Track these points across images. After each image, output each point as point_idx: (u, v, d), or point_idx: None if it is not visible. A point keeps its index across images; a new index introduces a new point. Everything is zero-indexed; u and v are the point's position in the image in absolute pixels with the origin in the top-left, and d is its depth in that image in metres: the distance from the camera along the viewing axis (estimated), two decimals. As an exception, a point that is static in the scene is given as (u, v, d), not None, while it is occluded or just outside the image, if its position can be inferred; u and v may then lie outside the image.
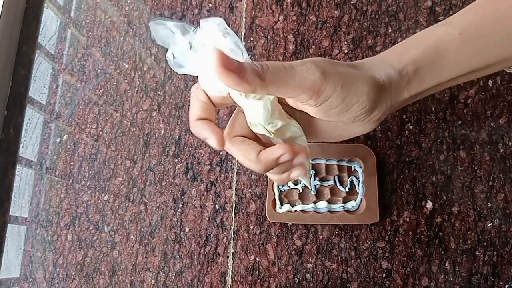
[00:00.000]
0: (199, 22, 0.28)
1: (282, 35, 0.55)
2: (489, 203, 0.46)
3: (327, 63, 0.30)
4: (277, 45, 0.55)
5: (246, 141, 0.31)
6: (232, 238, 0.49)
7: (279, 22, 0.56)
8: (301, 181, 0.48)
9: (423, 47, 0.32)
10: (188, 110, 0.33)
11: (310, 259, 0.47)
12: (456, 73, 0.33)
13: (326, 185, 0.48)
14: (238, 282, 0.48)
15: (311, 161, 0.49)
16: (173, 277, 0.49)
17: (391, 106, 0.32)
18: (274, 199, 0.48)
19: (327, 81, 0.29)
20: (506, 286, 0.44)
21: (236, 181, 0.51)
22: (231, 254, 0.49)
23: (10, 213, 0.55)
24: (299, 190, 0.48)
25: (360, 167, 0.48)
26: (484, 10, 0.33)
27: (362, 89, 0.30)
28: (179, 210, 0.51)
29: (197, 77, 0.30)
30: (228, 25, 0.57)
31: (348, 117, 0.31)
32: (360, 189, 0.47)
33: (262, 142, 0.33)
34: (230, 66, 0.25)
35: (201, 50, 0.27)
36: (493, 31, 0.32)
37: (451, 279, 0.45)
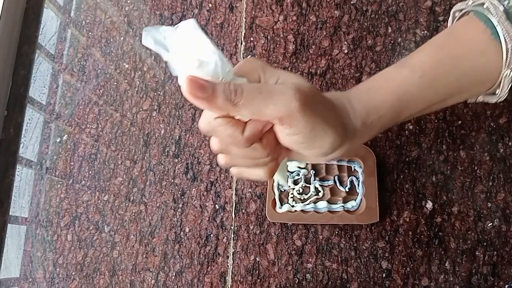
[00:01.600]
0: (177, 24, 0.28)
1: (282, 35, 0.55)
2: (489, 203, 0.46)
3: (311, 99, 0.30)
4: (277, 45, 0.55)
5: (231, 120, 0.31)
6: (232, 238, 0.49)
7: (279, 22, 0.56)
8: (300, 181, 0.48)
9: (386, 96, 0.35)
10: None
11: (310, 259, 0.47)
12: (414, 111, 0.36)
13: (326, 185, 0.48)
14: (238, 282, 0.48)
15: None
16: (173, 277, 0.49)
17: (348, 150, 0.34)
18: (274, 199, 0.48)
19: (300, 118, 0.29)
20: (506, 286, 0.44)
21: (236, 181, 0.51)
22: (231, 254, 0.49)
23: (10, 213, 0.55)
24: (299, 190, 0.48)
25: (360, 167, 0.48)
26: (441, 52, 0.36)
27: (328, 138, 0.31)
28: (179, 210, 0.51)
29: None
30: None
31: (308, 152, 0.33)
32: (360, 189, 0.47)
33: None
34: (199, 94, 0.27)
35: (176, 53, 0.28)
36: (449, 71, 0.35)
37: (451, 279, 0.45)
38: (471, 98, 0.40)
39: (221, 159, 0.35)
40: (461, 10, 0.39)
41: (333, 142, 0.32)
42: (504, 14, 0.34)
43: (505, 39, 0.33)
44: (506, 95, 0.37)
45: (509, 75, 0.35)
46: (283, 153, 0.34)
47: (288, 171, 0.49)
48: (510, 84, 0.35)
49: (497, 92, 0.37)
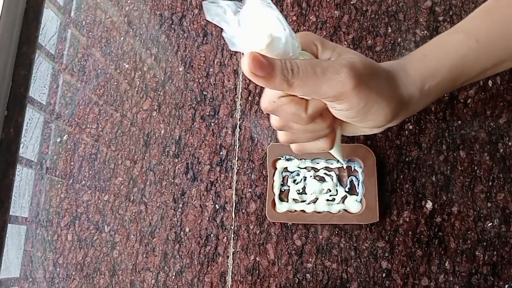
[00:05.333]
0: None
1: (282, 35, 0.55)
2: (489, 203, 0.46)
3: (365, 75, 0.29)
4: (277, 45, 0.55)
5: (294, 98, 0.31)
6: (232, 238, 0.49)
7: (279, 22, 0.56)
8: (300, 181, 0.48)
9: (443, 62, 0.34)
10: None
11: (310, 259, 0.47)
12: (470, 77, 0.35)
13: (326, 185, 0.48)
14: (238, 282, 0.48)
15: (313, 159, 0.49)
16: (173, 277, 0.49)
17: (405, 117, 0.34)
18: (274, 199, 0.48)
19: (354, 95, 0.29)
20: (506, 286, 0.44)
21: (236, 181, 0.51)
22: (231, 254, 0.49)
23: (10, 213, 0.55)
24: (299, 190, 0.48)
25: (360, 167, 0.48)
26: (493, 15, 0.35)
27: (382, 111, 0.31)
28: (179, 210, 0.51)
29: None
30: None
31: (361, 125, 0.33)
32: (360, 189, 0.47)
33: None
34: (258, 72, 0.27)
35: (247, 27, 0.27)
36: (503, 34, 0.34)
37: (451, 279, 0.45)
38: None
39: (282, 136, 0.35)
40: None
41: (387, 115, 0.31)
42: None
43: None
44: None
45: None
46: (337, 123, 0.34)
47: (288, 171, 0.49)
48: None
49: None
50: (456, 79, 0.34)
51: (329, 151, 0.37)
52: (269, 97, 0.31)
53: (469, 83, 0.37)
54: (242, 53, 0.29)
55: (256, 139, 0.52)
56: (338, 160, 0.43)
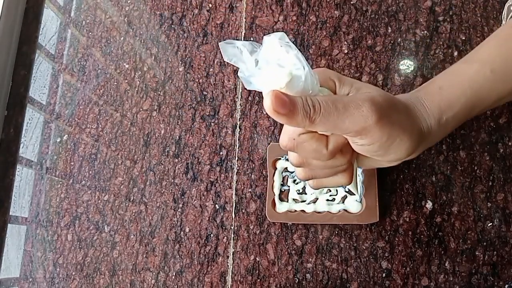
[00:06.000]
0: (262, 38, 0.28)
1: (282, 35, 0.55)
2: (489, 203, 0.46)
3: (387, 109, 0.29)
4: (277, 45, 0.55)
5: (315, 135, 0.31)
6: (232, 238, 0.49)
7: (279, 22, 0.56)
8: (300, 181, 0.48)
9: (459, 93, 0.34)
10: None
11: (310, 259, 0.47)
12: (486, 105, 0.35)
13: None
14: (238, 282, 0.48)
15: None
16: (173, 277, 0.49)
17: (422, 151, 0.34)
18: (274, 199, 0.48)
19: (377, 130, 0.29)
20: (506, 286, 0.44)
21: (236, 181, 0.51)
22: (231, 254, 0.49)
23: (10, 213, 0.55)
24: (299, 190, 0.48)
25: (360, 167, 0.48)
26: (508, 43, 0.35)
27: (404, 145, 0.31)
28: (179, 210, 0.51)
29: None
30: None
31: (381, 159, 0.33)
32: (360, 189, 0.47)
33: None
34: (281, 110, 0.27)
35: (265, 67, 0.28)
36: None
37: (451, 279, 0.45)
38: None
39: (301, 173, 0.35)
40: None
41: (408, 148, 0.31)
42: None
43: None
44: None
45: None
46: (355, 157, 0.34)
47: (288, 171, 0.49)
48: None
49: None
50: (472, 109, 0.34)
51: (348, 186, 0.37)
52: (289, 135, 0.31)
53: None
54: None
55: (256, 139, 0.52)
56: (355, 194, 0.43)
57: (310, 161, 0.33)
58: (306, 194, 0.48)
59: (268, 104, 0.27)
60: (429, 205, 0.47)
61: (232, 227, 0.50)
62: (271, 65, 0.28)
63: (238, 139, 0.52)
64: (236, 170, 0.51)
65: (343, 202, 0.47)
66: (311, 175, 0.35)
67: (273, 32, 0.55)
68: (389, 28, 0.53)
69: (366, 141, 0.30)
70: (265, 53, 0.28)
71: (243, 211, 0.50)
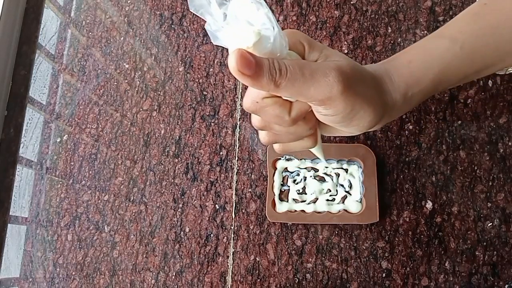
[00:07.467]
0: None
1: (282, 35, 0.55)
2: (489, 203, 0.46)
3: (353, 79, 0.29)
4: (277, 45, 0.55)
5: (278, 100, 0.30)
6: (232, 238, 0.49)
7: (279, 22, 0.56)
8: (300, 181, 0.48)
9: (428, 69, 0.34)
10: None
11: (310, 259, 0.47)
12: (451, 83, 0.35)
13: (326, 185, 0.48)
14: (238, 282, 0.48)
15: (314, 160, 0.49)
16: (173, 277, 0.49)
17: (386, 122, 0.34)
18: (274, 199, 0.48)
19: (341, 100, 0.28)
20: (506, 286, 0.44)
21: (236, 181, 0.51)
22: (231, 254, 0.49)
23: (10, 213, 0.55)
24: (299, 190, 0.48)
25: (360, 167, 0.48)
26: (482, 20, 0.35)
27: (368, 116, 0.31)
28: (179, 210, 0.51)
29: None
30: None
31: (344, 129, 0.33)
32: (360, 189, 0.47)
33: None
34: (246, 71, 0.26)
35: (234, 22, 0.26)
36: (489, 42, 0.34)
37: (451, 279, 0.45)
38: (502, 70, 0.39)
39: (264, 137, 0.34)
40: None
41: (371, 121, 0.31)
42: None
43: None
44: None
45: None
46: (317, 124, 0.34)
47: (288, 171, 0.49)
48: None
49: None
50: (438, 85, 0.34)
51: (311, 149, 0.37)
52: (253, 97, 0.30)
53: (468, 83, 0.37)
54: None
55: (256, 139, 0.52)
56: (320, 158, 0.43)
57: (272, 125, 0.32)
58: (306, 194, 0.48)
59: (232, 64, 0.25)
60: (429, 205, 0.47)
61: (232, 227, 0.50)
62: (239, 22, 0.26)
63: (238, 139, 0.52)
64: (236, 170, 0.51)
65: (343, 202, 0.47)
66: (274, 139, 0.34)
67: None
68: (389, 28, 0.53)
69: (330, 111, 0.29)
70: (234, 7, 0.26)
71: (243, 211, 0.50)
